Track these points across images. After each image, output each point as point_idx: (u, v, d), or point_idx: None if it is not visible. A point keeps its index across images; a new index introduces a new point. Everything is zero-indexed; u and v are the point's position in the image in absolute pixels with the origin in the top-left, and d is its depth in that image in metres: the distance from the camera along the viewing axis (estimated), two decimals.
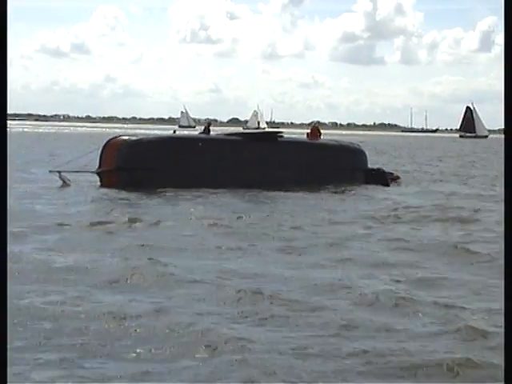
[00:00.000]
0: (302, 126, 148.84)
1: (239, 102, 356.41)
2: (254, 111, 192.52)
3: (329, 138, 30.66)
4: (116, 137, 23.62)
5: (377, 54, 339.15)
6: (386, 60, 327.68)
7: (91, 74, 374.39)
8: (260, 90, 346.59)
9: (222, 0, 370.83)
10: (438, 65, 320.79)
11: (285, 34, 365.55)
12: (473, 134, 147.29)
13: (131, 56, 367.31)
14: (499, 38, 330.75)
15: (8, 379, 5.19)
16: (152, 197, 19.94)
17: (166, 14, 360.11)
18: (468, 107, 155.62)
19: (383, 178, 25.69)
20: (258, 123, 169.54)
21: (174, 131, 27.35)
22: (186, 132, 32.20)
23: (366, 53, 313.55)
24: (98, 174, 23.01)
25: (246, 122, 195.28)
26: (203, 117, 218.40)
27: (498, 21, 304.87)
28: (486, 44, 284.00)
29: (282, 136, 25.34)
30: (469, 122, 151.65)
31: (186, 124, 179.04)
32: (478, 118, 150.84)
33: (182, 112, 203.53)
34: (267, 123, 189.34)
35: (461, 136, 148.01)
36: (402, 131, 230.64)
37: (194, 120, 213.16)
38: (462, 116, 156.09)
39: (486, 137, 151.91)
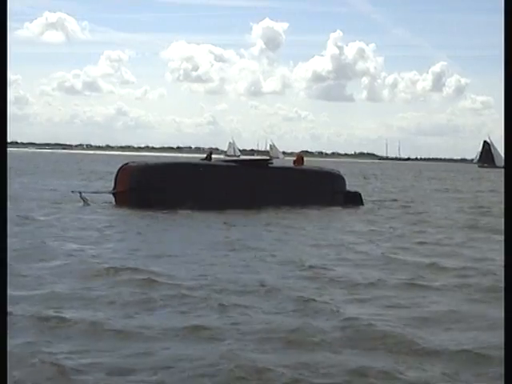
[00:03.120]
0: (291, 154, 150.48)
1: (235, 133, 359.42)
2: (229, 143, 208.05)
3: (313, 164, 30.97)
4: (128, 163, 23.98)
5: (347, 92, 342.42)
6: (355, 97, 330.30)
7: (104, 109, 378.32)
8: (251, 123, 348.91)
9: (206, 45, 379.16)
10: (399, 102, 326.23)
11: (264, 74, 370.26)
12: (491, 165, 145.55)
13: (136, 93, 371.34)
14: (449, 81, 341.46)
15: (8, 379, 5.13)
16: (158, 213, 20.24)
17: (158, 58, 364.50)
18: (485, 141, 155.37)
19: (359, 200, 26.15)
20: (234, 151, 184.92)
21: (209, 157, 26.78)
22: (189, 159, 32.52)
23: (336, 91, 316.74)
24: (113, 194, 23.43)
25: (244, 150, 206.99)
26: (206, 146, 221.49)
27: (448, 65, 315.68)
28: (437, 85, 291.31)
29: (271, 163, 25.78)
30: (487, 154, 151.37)
31: (232, 153, 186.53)
32: (496, 150, 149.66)
33: (229, 143, 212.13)
34: (259, 152, 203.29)
35: (480, 166, 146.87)
36: (379, 159, 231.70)
37: (200, 149, 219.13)
38: (480, 149, 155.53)
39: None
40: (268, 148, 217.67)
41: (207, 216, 20.14)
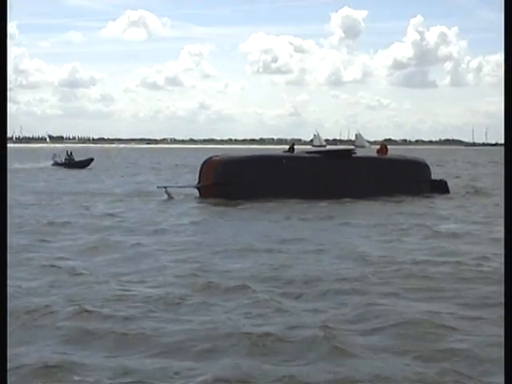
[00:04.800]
0: (374, 143, 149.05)
1: (317, 124, 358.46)
2: (314, 135, 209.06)
3: (397, 153, 30.54)
4: (212, 157, 24.04)
5: (429, 78, 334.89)
6: (438, 83, 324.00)
7: (187, 103, 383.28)
8: (333, 113, 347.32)
9: (285, 36, 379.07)
10: (485, 86, 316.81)
11: (344, 63, 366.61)
12: None
13: (218, 86, 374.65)
14: None
15: (8, 379, 5.13)
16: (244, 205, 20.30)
17: (238, 50, 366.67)
18: None
19: (445, 188, 25.57)
20: (320, 141, 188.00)
21: (291, 148, 26.71)
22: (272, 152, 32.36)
23: (418, 77, 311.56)
24: (198, 188, 23.58)
25: (327, 140, 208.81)
26: (289, 137, 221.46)
27: None
28: None
29: (355, 153, 25.37)
30: None
31: (317, 144, 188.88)
32: None
33: (314, 135, 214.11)
34: (343, 142, 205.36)
35: None
36: (466, 145, 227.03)
37: (282, 140, 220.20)
38: None
39: None
40: (351, 137, 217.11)
41: (292, 208, 20.03)
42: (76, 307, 7.96)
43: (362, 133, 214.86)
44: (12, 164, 50.86)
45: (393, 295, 8.77)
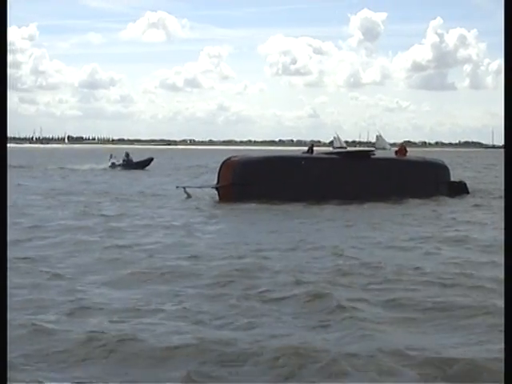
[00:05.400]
0: (393, 145, 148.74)
1: (335, 126, 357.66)
2: (334, 137, 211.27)
3: (416, 155, 30.47)
4: (231, 157, 24.08)
5: (448, 80, 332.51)
6: (457, 86, 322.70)
7: (206, 104, 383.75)
8: (352, 115, 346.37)
9: (304, 37, 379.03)
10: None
11: (363, 65, 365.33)
12: None
13: (236, 88, 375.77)
14: None
15: (8, 379, 5.14)
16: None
17: (256, 52, 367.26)
18: None
19: (464, 189, 25.51)
20: (341, 143, 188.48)
21: (310, 150, 26.52)
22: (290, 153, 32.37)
23: (437, 80, 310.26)
24: (216, 188, 23.61)
25: (346, 142, 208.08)
26: (308, 139, 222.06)
27: None
28: None
29: (374, 154, 25.36)
30: None
31: (338, 145, 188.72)
32: None
33: (334, 137, 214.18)
34: (362, 143, 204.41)
35: None
36: (485, 148, 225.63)
37: (301, 142, 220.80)
38: None
39: None
40: (371, 139, 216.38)
41: (310, 210, 20.08)
42: None
43: (382, 134, 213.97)
44: (70, 165, 51.06)
45: None
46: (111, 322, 7.48)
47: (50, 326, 7.29)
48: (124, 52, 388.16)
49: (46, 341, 6.78)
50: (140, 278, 9.91)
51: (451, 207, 21.57)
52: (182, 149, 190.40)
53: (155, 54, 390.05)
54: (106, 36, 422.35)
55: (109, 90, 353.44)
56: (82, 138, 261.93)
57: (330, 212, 19.68)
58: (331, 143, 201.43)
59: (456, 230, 15.71)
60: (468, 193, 25.40)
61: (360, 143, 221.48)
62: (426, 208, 21.03)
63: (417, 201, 22.37)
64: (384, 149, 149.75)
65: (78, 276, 10.09)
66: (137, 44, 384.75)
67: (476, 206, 21.93)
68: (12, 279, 8.80)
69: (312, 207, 20.61)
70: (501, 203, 23.10)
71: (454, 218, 18.44)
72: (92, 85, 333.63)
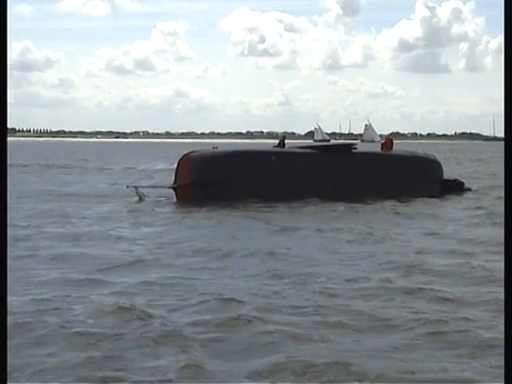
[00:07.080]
0: (380, 137, 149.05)
1: (312, 114, 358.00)
2: (315, 128, 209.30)
3: (406, 148, 30.75)
4: (190, 152, 23.92)
5: (441, 61, 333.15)
6: (451, 68, 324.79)
7: (160, 90, 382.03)
8: (330, 101, 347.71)
9: (273, 12, 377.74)
10: None
11: (342, 44, 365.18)
12: None
13: (195, 70, 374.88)
14: None
15: (8, 379, 5.23)
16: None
17: (218, 29, 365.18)
18: None
19: (460, 189, 25.83)
20: (323, 135, 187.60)
21: (281, 143, 26.40)
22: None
23: (428, 61, 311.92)
24: (174, 188, 23.49)
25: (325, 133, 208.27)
26: (280, 130, 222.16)
27: None
28: None
29: (355, 148, 25.40)
30: None
31: (320, 138, 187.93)
32: None
33: (315, 128, 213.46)
34: (344, 135, 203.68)
35: None
36: (485, 139, 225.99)
37: (273, 134, 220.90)
38: None
39: None
40: (352, 130, 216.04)
41: (281, 213, 20.22)
42: None
43: (364, 125, 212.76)
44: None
45: None
46: None
47: None
48: (62, 27, 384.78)
49: None
50: None
51: (441, 212, 21.46)
52: (134, 142, 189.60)
53: (99, 30, 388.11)
54: (40, 8, 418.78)
55: (44, 72, 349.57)
56: (14, 129, 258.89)
57: (295, 216, 19.65)
58: (309, 135, 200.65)
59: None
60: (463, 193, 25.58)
61: (341, 135, 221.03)
62: (408, 214, 20.37)
63: (401, 203, 22.25)
64: (373, 141, 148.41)
65: None
66: (77, 18, 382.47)
67: (477, 208, 21.84)
68: None
69: (280, 210, 20.62)
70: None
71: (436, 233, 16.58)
72: (24, 66, 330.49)
